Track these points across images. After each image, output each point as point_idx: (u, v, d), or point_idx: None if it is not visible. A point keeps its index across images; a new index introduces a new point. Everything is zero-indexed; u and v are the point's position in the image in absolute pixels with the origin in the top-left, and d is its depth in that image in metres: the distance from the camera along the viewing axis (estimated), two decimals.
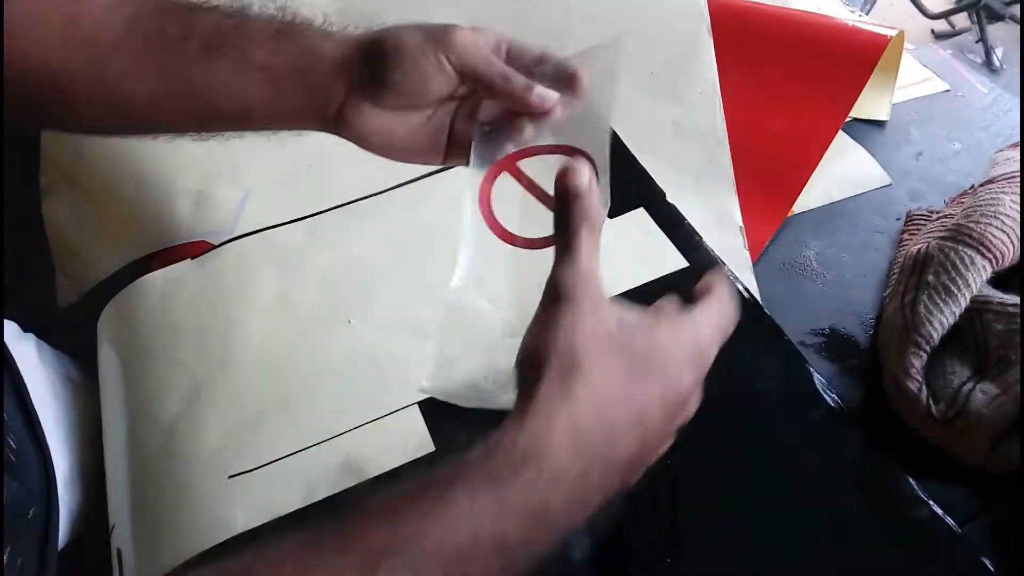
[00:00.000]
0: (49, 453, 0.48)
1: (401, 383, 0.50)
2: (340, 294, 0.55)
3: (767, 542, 0.43)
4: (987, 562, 0.42)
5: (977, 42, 1.77)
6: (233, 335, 0.54)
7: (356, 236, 0.58)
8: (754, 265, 0.57)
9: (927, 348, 0.46)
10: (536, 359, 0.32)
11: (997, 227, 0.47)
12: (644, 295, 0.54)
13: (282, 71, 0.43)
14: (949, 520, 0.43)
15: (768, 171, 0.57)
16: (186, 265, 0.57)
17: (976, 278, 0.46)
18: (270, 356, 0.52)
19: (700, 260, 0.56)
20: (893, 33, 0.64)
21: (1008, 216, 0.47)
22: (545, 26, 0.70)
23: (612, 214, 0.59)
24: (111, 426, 0.53)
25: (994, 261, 0.46)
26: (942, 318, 0.46)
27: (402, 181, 0.62)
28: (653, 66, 0.67)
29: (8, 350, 0.50)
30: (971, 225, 0.47)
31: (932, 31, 1.98)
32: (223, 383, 0.51)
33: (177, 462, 0.48)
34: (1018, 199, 0.48)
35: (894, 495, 0.44)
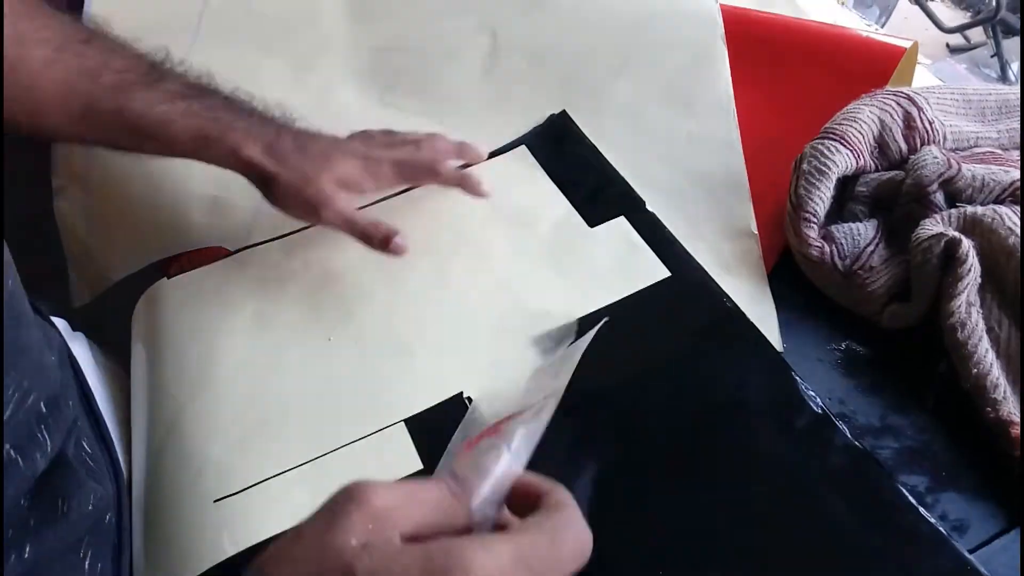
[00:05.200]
0: (117, 457, 0.48)
1: (387, 401, 0.49)
2: (320, 311, 0.55)
3: (755, 550, 0.43)
4: (981, 568, 0.41)
5: (992, 56, 1.77)
6: (212, 356, 0.53)
7: (335, 252, 0.58)
8: (768, 277, 0.56)
9: (815, 220, 0.54)
10: None
11: (856, 129, 0.55)
12: (627, 308, 0.53)
13: (190, 145, 0.50)
14: (940, 527, 0.42)
15: (782, 181, 0.57)
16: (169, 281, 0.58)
17: (841, 161, 0.54)
18: (250, 377, 0.51)
19: (682, 270, 0.55)
20: (907, 44, 0.64)
21: (865, 123, 0.56)
22: (559, 36, 0.70)
23: (593, 223, 0.59)
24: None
25: (855, 153, 0.55)
26: (819, 194, 0.54)
27: (382, 196, 0.61)
28: (667, 74, 0.67)
29: (72, 351, 0.50)
30: (834, 126, 0.56)
31: (947, 45, 1.98)
32: (203, 407, 0.50)
33: (166, 487, 0.47)
34: (875, 112, 0.56)
35: (884, 501, 0.44)
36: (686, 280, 0.55)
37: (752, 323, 0.52)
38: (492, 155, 0.64)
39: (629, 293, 0.54)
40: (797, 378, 0.49)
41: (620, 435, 0.47)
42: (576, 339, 0.50)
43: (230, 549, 0.43)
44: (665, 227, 0.58)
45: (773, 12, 0.72)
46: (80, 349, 0.54)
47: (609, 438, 0.47)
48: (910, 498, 0.44)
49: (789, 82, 0.66)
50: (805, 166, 0.55)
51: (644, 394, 0.49)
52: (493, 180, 0.60)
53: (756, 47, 0.67)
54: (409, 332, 0.53)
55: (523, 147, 0.65)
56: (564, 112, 0.66)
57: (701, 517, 0.44)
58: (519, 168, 0.63)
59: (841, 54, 0.66)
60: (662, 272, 0.55)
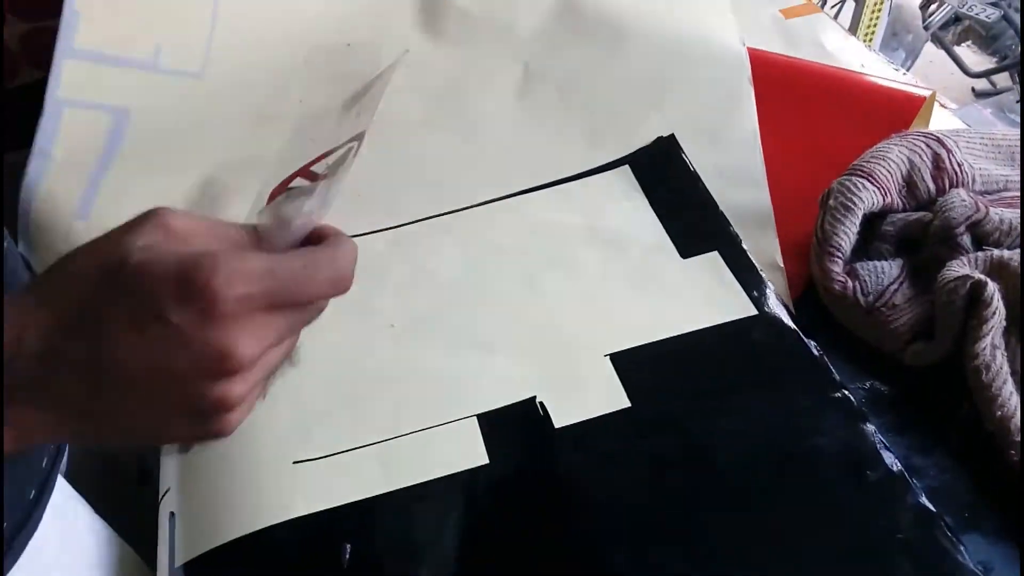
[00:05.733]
0: None
1: (462, 395, 0.51)
2: (412, 302, 0.57)
3: None
4: None
5: (1018, 102, 1.77)
6: (311, 329, 0.55)
7: (433, 248, 0.61)
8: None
9: (840, 255, 0.55)
10: None
11: (884, 167, 0.56)
12: (709, 338, 0.54)
13: None
14: None
15: (805, 220, 0.58)
16: None
17: (868, 197, 0.55)
18: (342, 354, 0.54)
19: (771, 311, 0.55)
20: (927, 93, 0.66)
21: (893, 162, 0.56)
22: (591, 69, 0.72)
23: (686, 254, 0.59)
24: None
25: (882, 191, 0.56)
26: (844, 230, 0.55)
27: (479, 201, 0.64)
28: (695, 111, 0.68)
29: None
30: (862, 164, 0.57)
31: (973, 90, 1.99)
32: (297, 374, 0.53)
33: (247, 441, 0.49)
34: (904, 152, 0.57)
35: (946, 564, 0.43)
36: (773, 321, 0.55)
37: (834, 374, 0.52)
38: (596, 171, 0.66)
39: (713, 324, 0.54)
40: (876, 433, 0.49)
41: (687, 463, 0.48)
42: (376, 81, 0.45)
43: (302, 509, 0.46)
44: (757, 267, 0.58)
45: (800, 55, 0.73)
46: None
47: (676, 464, 0.48)
48: (972, 566, 0.43)
49: (811, 125, 0.67)
50: (832, 202, 0.56)
51: (716, 425, 0.49)
52: (593, 196, 0.62)
53: (780, 89, 0.69)
54: (492, 331, 0.55)
55: (626, 167, 0.66)
56: (672, 136, 0.67)
57: (758, 557, 0.44)
58: (619, 188, 0.64)
59: (862, 100, 0.67)
60: (749, 310, 0.55)
